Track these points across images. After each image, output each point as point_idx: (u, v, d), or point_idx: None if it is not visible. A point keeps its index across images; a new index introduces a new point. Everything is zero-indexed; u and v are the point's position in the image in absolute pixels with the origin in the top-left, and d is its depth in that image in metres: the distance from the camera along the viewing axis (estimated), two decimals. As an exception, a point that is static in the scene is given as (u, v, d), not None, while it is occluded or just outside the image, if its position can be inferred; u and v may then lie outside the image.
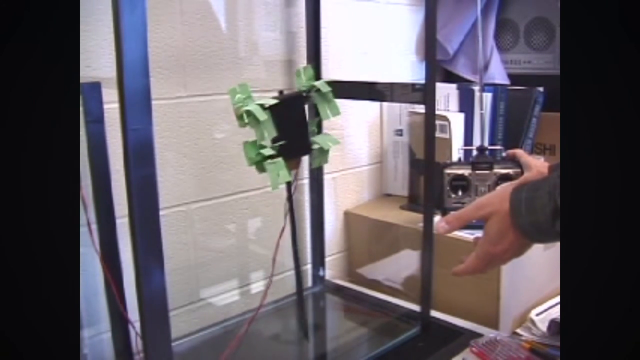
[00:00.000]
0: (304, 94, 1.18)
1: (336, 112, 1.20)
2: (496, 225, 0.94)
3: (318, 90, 1.17)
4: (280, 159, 1.10)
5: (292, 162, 1.17)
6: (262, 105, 1.07)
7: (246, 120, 1.06)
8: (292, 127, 1.15)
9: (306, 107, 1.19)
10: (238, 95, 1.06)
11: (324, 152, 1.23)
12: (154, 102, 0.75)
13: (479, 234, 1.28)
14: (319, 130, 1.25)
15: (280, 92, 1.16)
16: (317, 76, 1.33)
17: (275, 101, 1.10)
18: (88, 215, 1.00)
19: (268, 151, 1.09)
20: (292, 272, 1.53)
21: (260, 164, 1.10)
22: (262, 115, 1.05)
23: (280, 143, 1.10)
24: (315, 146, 1.21)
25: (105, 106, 1.00)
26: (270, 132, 1.08)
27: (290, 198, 1.24)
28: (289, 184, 1.22)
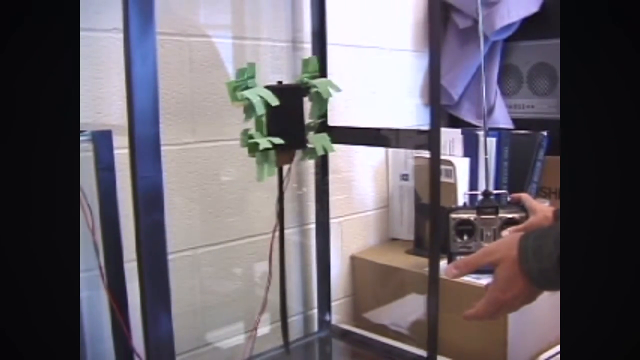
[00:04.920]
0: (304, 87, 1.19)
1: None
2: (505, 272, 0.94)
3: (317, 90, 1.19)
4: (271, 152, 1.11)
5: (285, 155, 1.16)
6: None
7: (239, 99, 1.08)
8: (288, 118, 1.15)
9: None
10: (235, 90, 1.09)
11: (314, 151, 1.24)
12: (162, 148, 0.77)
13: (485, 278, 1.28)
14: (320, 129, 1.27)
15: (279, 82, 1.17)
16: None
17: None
18: (99, 259, 1.01)
19: (263, 142, 1.09)
20: (298, 317, 1.54)
21: (253, 149, 1.11)
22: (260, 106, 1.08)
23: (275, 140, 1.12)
24: (310, 145, 1.21)
25: (116, 151, 1.01)
26: (259, 108, 1.09)
27: (281, 196, 1.24)
28: (280, 185, 1.22)
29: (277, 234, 1.27)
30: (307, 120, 1.24)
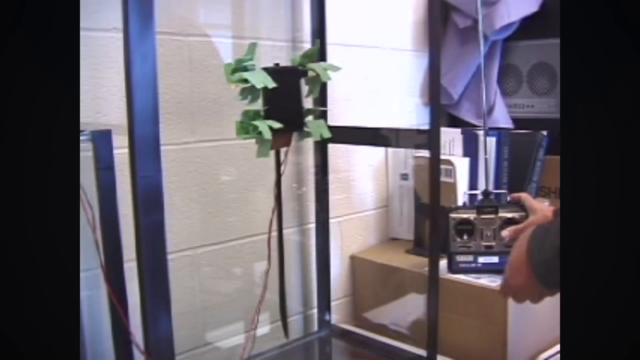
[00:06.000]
0: (301, 69, 1.19)
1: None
2: (515, 261, 0.98)
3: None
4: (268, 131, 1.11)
5: (283, 138, 1.16)
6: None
7: (236, 79, 1.08)
8: (285, 99, 1.16)
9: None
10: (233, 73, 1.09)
11: (310, 134, 1.24)
12: (162, 148, 0.77)
13: (485, 279, 1.29)
14: (318, 113, 1.28)
15: (276, 64, 1.17)
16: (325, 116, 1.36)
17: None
18: (100, 256, 1.01)
19: (262, 125, 1.10)
20: (297, 317, 1.54)
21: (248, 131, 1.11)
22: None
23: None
24: (306, 129, 1.22)
25: (115, 151, 1.01)
26: (267, 82, 1.09)
27: (278, 179, 1.24)
28: (277, 167, 1.23)
29: (275, 232, 1.27)
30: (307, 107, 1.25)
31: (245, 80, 1.08)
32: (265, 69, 1.13)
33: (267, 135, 1.08)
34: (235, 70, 1.09)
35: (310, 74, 1.21)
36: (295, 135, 1.22)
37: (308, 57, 1.21)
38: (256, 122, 1.10)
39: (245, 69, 1.09)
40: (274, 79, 1.10)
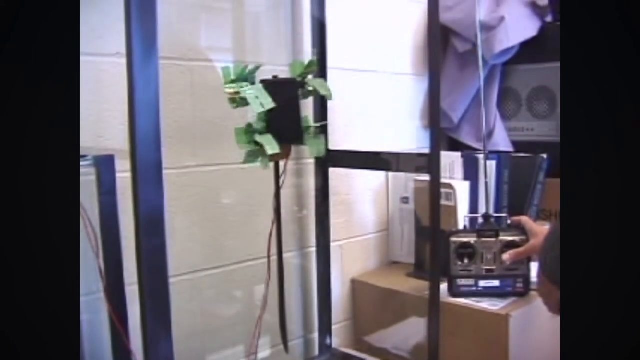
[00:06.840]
0: (299, 80, 1.20)
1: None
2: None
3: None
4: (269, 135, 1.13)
5: (283, 150, 1.17)
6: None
7: (238, 102, 1.10)
8: (284, 112, 1.16)
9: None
10: (232, 82, 1.11)
11: (319, 144, 1.25)
12: (163, 172, 0.77)
13: (486, 303, 1.29)
14: (318, 129, 1.29)
15: (275, 76, 1.18)
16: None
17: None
18: (102, 279, 1.01)
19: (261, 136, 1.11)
20: (298, 341, 1.53)
21: (251, 145, 1.13)
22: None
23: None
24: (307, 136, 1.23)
25: (118, 174, 1.02)
26: (266, 102, 1.10)
27: (277, 192, 1.25)
28: (277, 180, 1.24)
29: (275, 242, 1.27)
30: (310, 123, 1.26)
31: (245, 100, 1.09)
32: (263, 81, 1.14)
33: (272, 148, 1.12)
34: (234, 99, 1.11)
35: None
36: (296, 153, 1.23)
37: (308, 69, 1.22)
38: (260, 140, 1.12)
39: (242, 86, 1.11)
40: (272, 91, 1.11)
